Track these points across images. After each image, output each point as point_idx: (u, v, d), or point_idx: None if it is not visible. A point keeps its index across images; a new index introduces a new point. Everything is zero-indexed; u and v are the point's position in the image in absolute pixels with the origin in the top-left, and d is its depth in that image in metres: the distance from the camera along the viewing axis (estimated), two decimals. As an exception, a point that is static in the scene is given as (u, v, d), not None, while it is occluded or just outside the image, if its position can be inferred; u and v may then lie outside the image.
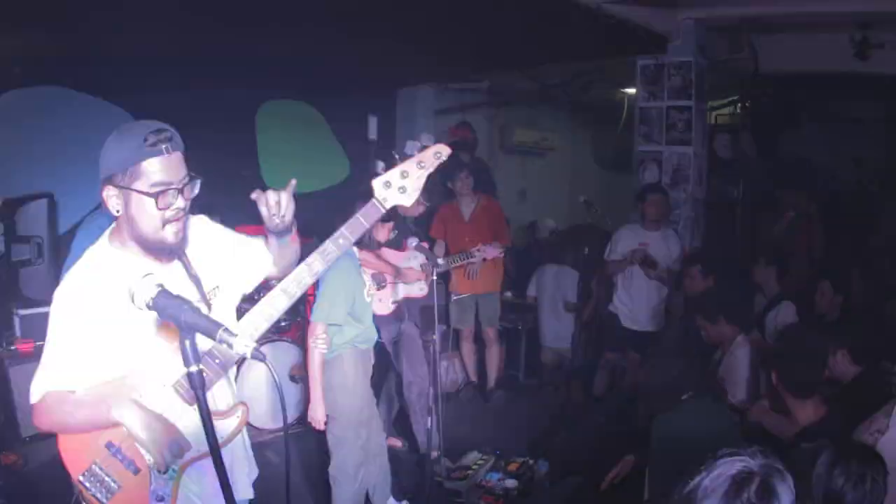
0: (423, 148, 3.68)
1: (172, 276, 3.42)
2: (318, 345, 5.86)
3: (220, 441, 3.31)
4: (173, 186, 3.25)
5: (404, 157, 3.81)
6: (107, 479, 3.35)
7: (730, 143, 10.27)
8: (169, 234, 3.33)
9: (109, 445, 3.35)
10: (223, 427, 3.56)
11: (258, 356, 2.64)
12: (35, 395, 3.35)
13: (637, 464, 6.25)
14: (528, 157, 15.08)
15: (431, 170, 3.63)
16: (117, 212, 3.31)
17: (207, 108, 10.49)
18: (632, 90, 11.63)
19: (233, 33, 8.72)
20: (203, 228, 3.75)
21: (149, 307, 2.72)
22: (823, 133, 12.37)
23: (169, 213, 3.28)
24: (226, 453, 3.45)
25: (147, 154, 3.18)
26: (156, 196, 3.22)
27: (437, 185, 10.40)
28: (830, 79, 10.33)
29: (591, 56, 10.05)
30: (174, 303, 2.69)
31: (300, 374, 8.79)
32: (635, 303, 9.32)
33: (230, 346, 2.65)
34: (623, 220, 9.70)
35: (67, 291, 3.41)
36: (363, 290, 6.14)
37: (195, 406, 3.22)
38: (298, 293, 3.50)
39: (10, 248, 8.43)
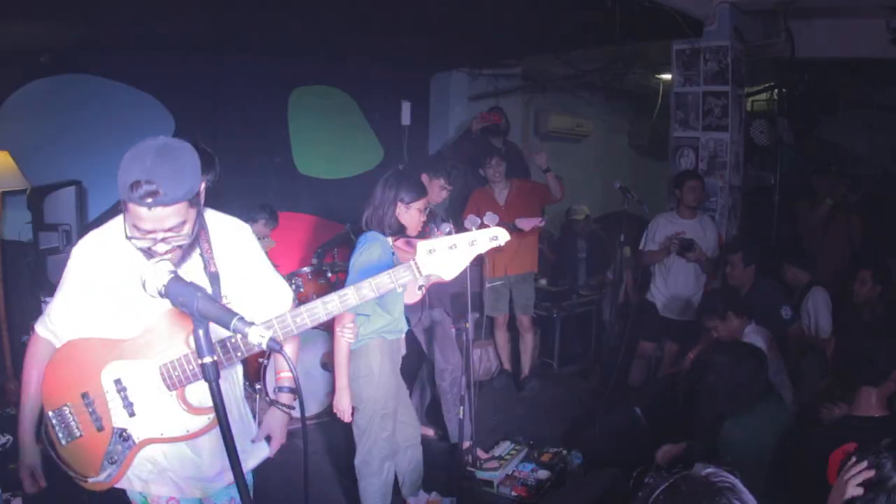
0: (482, 225, 3.81)
1: (187, 268, 3.50)
2: (344, 334, 5.78)
3: (187, 433, 3.54)
4: (154, 237, 3.26)
5: (462, 229, 4.01)
6: (72, 424, 3.56)
7: (766, 129, 10.13)
8: (157, 253, 3.32)
9: (85, 396, 3.53)
10: (193, 422, 3.62)
11: (274, 346, 2.66)
12: (35, 330, 3.78)
13: (686, 456, 6.22)
14: (564, 144, 14.96)
15: (482, 251, 3.59)
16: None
17: (238, 96, 10.48)
18: (667, 76, 11.53)
19: (265, 18, 8.68)
20: (237, 236, 3.82)
21: (161, 294, 2.74)
22: (859, 121, 12.23)
23: (153, 249, 3.30)
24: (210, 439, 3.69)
25: (130, 199, 3.17)
26: (132, 238, 3.29)
27: (468, 173, 10.35)
28: (867, 65, 10.20)
29: (626, 41, 9.95)
30: (187, 290, 2.68)
31: (331, 363, 8.78)
32: (673, 291, 9.25)
33: (245, 335, 2.64)
34: (659, 208, 9.61)
35: (85, 248, 3.59)
36: None
37: (173, 393, 3.49)
38: (309, 326, 3.41)
39: (37, 236, 8.43)
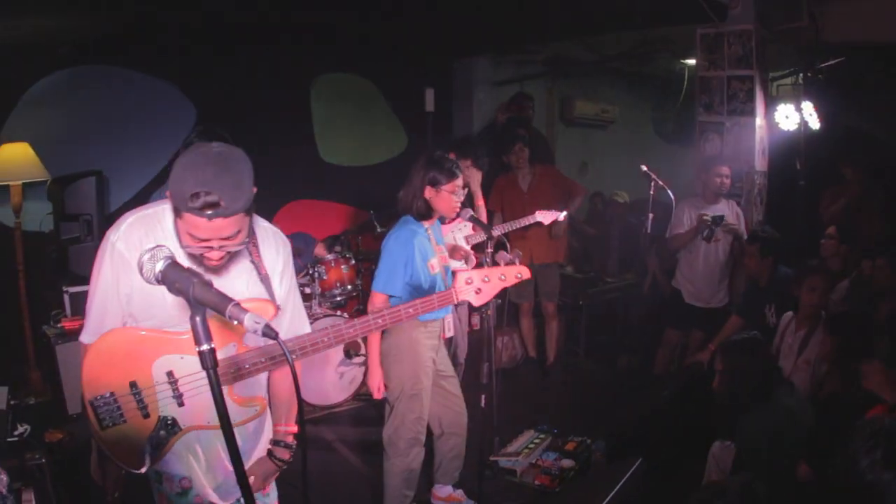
0: (511, 262, 4.60)
1: (235, 272, 3.59)
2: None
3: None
4: (209, 245, 3.28)
5: (494, 264, 4.62)
6: (116, 411, 3.52)
7: (791, 114, 10.06)
8: (204, 260, 3.39)
9: (133, 385, 3.51)
10: (238, 412, 3.69)
11: (269, 333, 2.70)
12: (82, 335, 3.68)
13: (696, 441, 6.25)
14: (589, 130, 14.97)
15: (508, 285, 4.52)
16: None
17: (261, 84, 10.50)
18: (692, 61, 11.49)
19: (288, 5, 8.68)
20: (282, 253, 3.87)
21: (157, 280, 2.75)
22: (887, 106, 12.12)
23: (207, 255, 3.36)
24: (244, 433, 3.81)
25: (189, 210, 3.12)
26: (187, 246, 3.32)
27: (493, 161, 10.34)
28: (894, 49, 10.11)
29: (650, 25, 9.89)
30: (183, 276, 2.69)
31: (355, 350, 8.79)
32: (699, 279, 9.20)
33: (241, 322, 2.66)
34: (685, 194, 9.55)
35: (129, 237, 3.49)
36: (426, 261, 6.07)
37: (224, 387, 3.39)
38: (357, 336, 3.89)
39: (59, 226, 8.45)
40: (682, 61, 12.37)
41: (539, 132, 12.20)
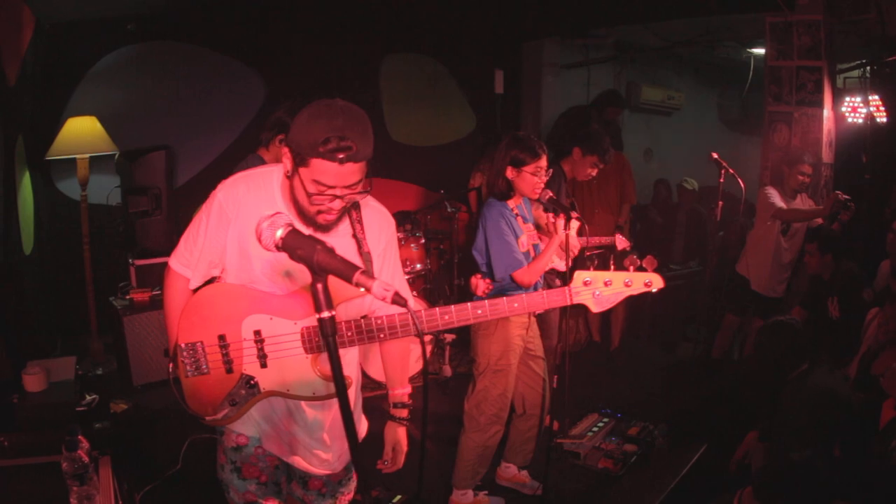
0: (642, 269, 3.81)
1: (342, 242, 3.56)
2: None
3: (312, 395, 3.62)
4: (333, 192, 3.30)
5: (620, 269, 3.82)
6: (202, 360, 3.65)
7: (858, 106, 9.97)
8: (319, 217, 3.43)
9: (221, 338, 3.61)
10: (321, 387, 3.66)
11: (399, 301, 2.63)
12: (169, 266, 3.86)
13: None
14: (654, 116, 14.94)
15: (635, 294, 3.82)
16: (287, 170, 3.40)
17: (330, 62, 10.54)
18: (757, 50, 11.45)
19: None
20: (387, 231, 3.89)
21: (277, 248, 2.72)
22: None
23: (322, 208, 3.38)
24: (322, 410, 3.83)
25: (320, 155, 3.18)
26: (312, 194, 3.32)
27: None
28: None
29: (718, 11, 9.83)
30: (307, 242, 2.63)
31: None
32: (770, 269, 9.15)
33: (368, 289, 2.62)
34: (751, 182, 9.50)
35: (232, 190, 3.59)
36: (516, 239, 6.13)
37: (308, 356, 3.53)
38: (455, 325, 3.63)
39: (126, 200, 8.52)
40: (748, 50, 12.29)
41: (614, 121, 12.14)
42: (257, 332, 3.57)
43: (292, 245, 2.68)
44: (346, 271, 2.63)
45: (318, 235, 3.31)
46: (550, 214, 6.06)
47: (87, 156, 8.58)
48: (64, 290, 9.23)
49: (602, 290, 3.75)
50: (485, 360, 6.28)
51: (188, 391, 3.72)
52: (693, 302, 11.60)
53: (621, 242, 7.76)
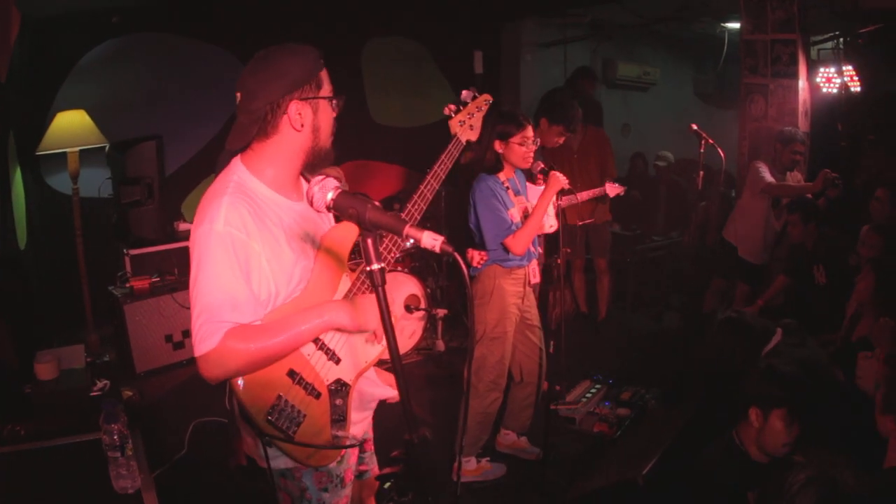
0: (476, 96, 4.40)
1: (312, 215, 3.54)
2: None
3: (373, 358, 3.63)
4: (338, 94, 3.45)
5: (464, 104, 4.38)
6: (292, 410, 3.34)
7: (832, 77, 10.13)
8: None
9: (292, 374, 3.35)
10: (374, 349, 3.69)
11: (447, 249, 2.66)
12: (209, 341, 3.07)
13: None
14: (631, 92, 15.11)
15: (484, 112, 4.42)
16: (301, 126, 3.33)
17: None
18: (731, 25, 11.62)
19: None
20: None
21: (328, 208, 2.78)
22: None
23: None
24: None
25: (323, 66, 3.38)
26: (335, 99, 3.43)
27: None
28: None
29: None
30: (357, 202, 2.71)
31: (415, 305, 8.98)
32: (758, 238, 9.29)
33: (419, 241, 2.68)
34: (727, 154, 9.65)
35: (234, 224, 3.14)
36: (506, 211, 6.27)
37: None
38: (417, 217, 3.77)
39: (118, 190, 8.63)
40: (723, 25, 12.43)
41: (595, 98, 12.28)
42: (315, 338, 3.43)
43: (343, 205, 2.74)
44: (396, 225, 2.69)
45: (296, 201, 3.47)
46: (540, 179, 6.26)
47: (77, 149, 8.64)
48: (58, 284, 9.28)
49: (471, 121, 4.36)
50: (482, 328, 6.44)
51: (304, 452, 3.40)
52: (677, 271, 11.77)
53: (612, 189, 7.93)
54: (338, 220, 3.28)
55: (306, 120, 3.33)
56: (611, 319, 10.70)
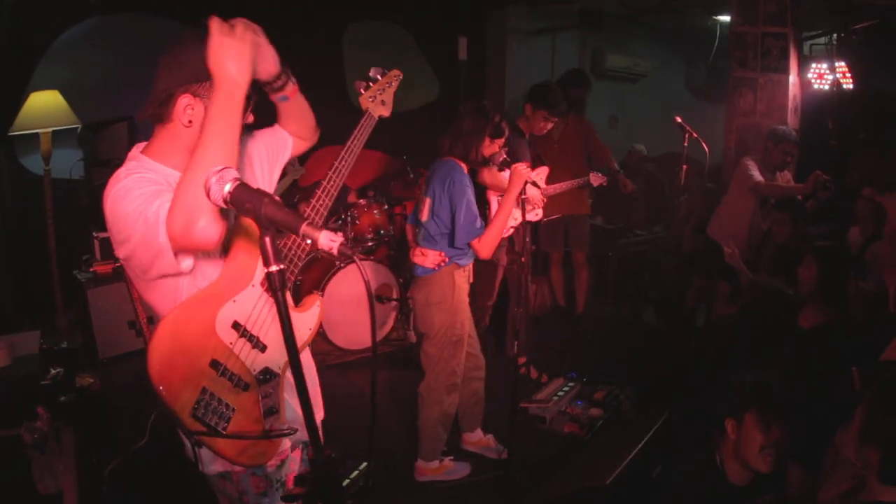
0: (385, 72, 4.50)
1: None
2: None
3: (309, 332, 3.48)
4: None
5: (374, 80, 4.45)
6: (220, 404, 3.13)
7: (824, 73, 10.02)
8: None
9: (215, 364, 3.13)
10: (304, 320, 3.53)
11: (345, 251, 2.46)
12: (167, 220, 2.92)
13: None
14: (620, 83, 14.94)
15: (395, 87, 4.50)
16: (188, 123, 3.19)
17: (294, 30, 10.47)
18: (723, 17, 11.47)
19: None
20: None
21: (226, 202, 2.58)
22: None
23: None
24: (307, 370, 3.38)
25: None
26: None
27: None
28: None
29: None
30: (254, 196, 2.54)
31: (386, 295, 8.89)
32: (745, 237, 9.11)
33: (315, 241, 2.47)
34: (715, 148, 9.52)
35: (126, 173, 3.24)
36: None
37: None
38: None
39: (90, 172, 8.50)
40: (714, 17, 12.29)
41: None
42: (236, 325, 3.21)
43: (240, 199, 2.54)
44: (293, 223, 2.48)
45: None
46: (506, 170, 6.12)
47: (50, 130, 8.52)
48: (29, 266, 9.22)
49: (382, 97, 4.47)
50: (444, 334, 6.28)
51: (236, 450, 3.20)
52: (657, 265, 11.69)
53: (596, 179, 7.82)
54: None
55: (195, 117, 3.17)
56: (589, 314, 10.51)
